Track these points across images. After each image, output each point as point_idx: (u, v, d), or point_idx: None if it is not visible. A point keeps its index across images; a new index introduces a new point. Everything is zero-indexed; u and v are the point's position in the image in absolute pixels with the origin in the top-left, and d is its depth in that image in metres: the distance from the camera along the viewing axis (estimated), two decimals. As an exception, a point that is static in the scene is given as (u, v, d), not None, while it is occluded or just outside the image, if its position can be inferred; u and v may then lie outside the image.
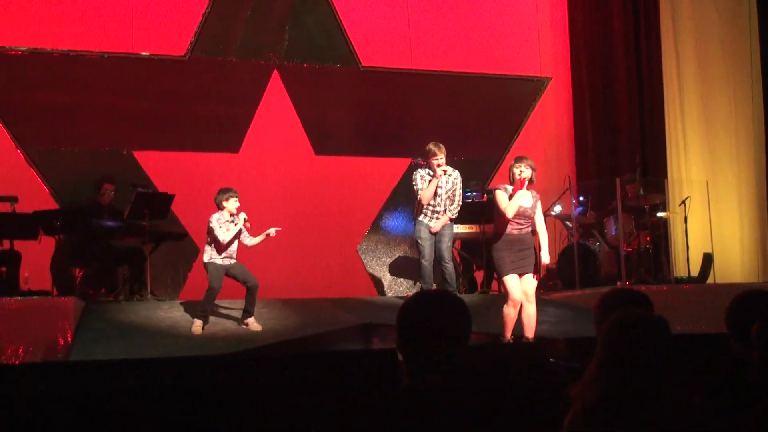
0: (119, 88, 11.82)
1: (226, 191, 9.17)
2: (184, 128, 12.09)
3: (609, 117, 13.92)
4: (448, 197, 9.66)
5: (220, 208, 9.13)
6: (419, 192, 9.59)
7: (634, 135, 13.75)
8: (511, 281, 8.05)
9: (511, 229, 8.12)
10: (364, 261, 12.82)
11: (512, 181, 8.18)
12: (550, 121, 14.00)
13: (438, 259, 9.68)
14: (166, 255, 11.23)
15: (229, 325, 9.21)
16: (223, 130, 12.30)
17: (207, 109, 12.23)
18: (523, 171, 8.10)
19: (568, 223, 12.23)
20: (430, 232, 9.61)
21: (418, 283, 12.44)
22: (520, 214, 8.11)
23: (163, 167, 11.87)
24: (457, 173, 9.72)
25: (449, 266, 9.66)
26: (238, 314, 9.30)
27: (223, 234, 8.98)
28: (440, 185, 9.60)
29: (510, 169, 8.22)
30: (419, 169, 9.75)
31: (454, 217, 9.73)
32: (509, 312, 8.06)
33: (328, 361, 6.66)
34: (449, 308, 2.88)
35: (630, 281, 11.05)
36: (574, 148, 14.00)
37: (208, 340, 8.66)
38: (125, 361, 6.93)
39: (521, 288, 8.10)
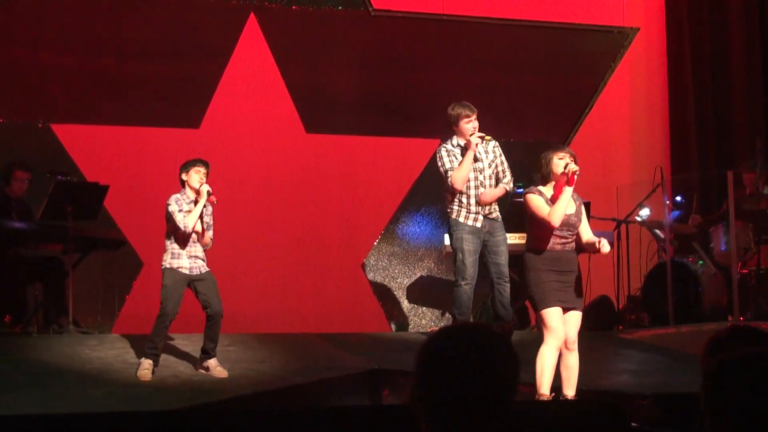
0: (34, 35, 11.84)
1: (189, 162, 9.22)
2: (124, 93, 12.10)
3: (718, 84, 13.87)
4: (493, 173, 9.64)
5: (183, 186, 9.18)
6: (449, 174, 9.52)
7: (754, 110, 13.69)
8: (554, 315, 8.07)
9: (554, 243, 8.16)
10: (372, 282, 12.82)
11: (546, 179, 8.20)
12: (637, 88, 13.97)
13: (493, 278, 9.65)
14: (95, 270, 11.24)
15: (183, 369, 9.22)
16: (179, 98, 12.30)
17: (156, 68, 12.23)
18: (570, 164, 8.14)
19: (658, 232, 12.20)
20: (477, 230, 9.53)
21: (446, 314, 12.45)
22: (564, 223, 8.14)
23: (92, 147, 11.88)
24: (495, 142, 9.71)
25: (508, 288, 9.66)
26: (195, 352, 9.30)
27: (184, 218, 9.01)
28: (479, 157, 9.56)
29: (547, 163, 8.22)
30: (444, 144, 9.72)
31: (510, 190, 9.70)
32: (548, 356, 8.06)
33: (321, 421, 6.65)
34: (491, 349, 2.87)
35: (745, 316, 11.01)
36: (669, 127, 13.95)
37: (154, 389, 8.66)
38: (37, 417, 6.92)
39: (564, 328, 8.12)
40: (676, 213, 12.30)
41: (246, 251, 12.19)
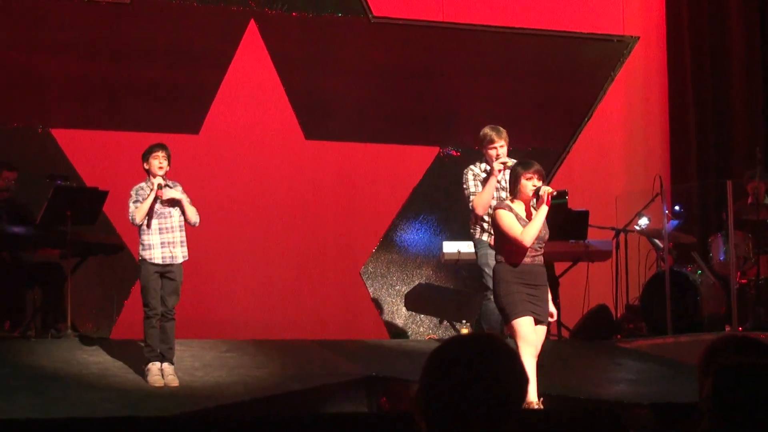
0: (34, 41, 11.86)
1: (147, 150, 9.16)
2: (124, 99, 12.12)
3: (719, 93, 13.89)
4: None
5: (148, 174, 9.16)
6: (471, 199, 9.48)
7: (755, 119, 13.71)
8: (527, 325, 8.12)
9: (523, 257, 8.19)
10: (371, 290, 12.83)
11: (514, 195, 8.23)
12: (636, 97, 13.98)
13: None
14: (94, 275, 11.26)
15: (181, 374, 9.19)
16: (178, 103, 12.32)
17: (155, 74, 12.25)
18: (537, 184, 8.19)
19: (657, 242, 12.21)
20: None
21: (444, 322, 12.44)
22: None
23: (92, 152, 11.90)
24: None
25: None
26: (191, 358, 9.32)
27: (135, 210, 8.97)
28: (503, 186, 9.55)
29: (515, 180, 8.25)
30: (471, 167, 9.61)
31: None
32: (527, 366, 8.07)
33: (318, 428, 6.67)
34: (499, 360, 2.89)
35: (744, 326, 11.02)
36: (669, 136, 13.97)
37: (152, 394, 8.66)
38: (35, 422, 6.94)
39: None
40: (675, 222, 12.30)
41: (244, 257, 12.20)
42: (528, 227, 8.10)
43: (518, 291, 8.12)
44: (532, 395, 8.07)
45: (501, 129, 9.47)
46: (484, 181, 9.44)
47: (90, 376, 9.02)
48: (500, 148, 9.36)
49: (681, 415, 7.76)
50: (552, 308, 8.38)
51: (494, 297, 8.40)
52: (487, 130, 9.49)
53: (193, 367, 9.31)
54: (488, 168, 9.48)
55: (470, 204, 9.47)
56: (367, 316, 12.72)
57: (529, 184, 8.17)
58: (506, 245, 8.24)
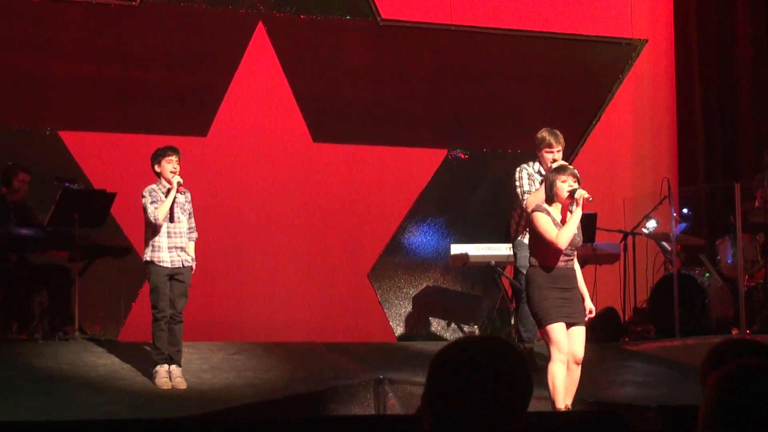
0: (42, 43, 11.87)
1: (159, 152, 9.21)
2: (131, 101, 12.13)
3: (726, 96, 13.88)
4: None
5: (159, 177, 9.20)
6: (524, 197, 9.45)
7: (762, 122, 13.71)
8: (559, 331, 8.19)
9: (558, 260, 8.23)
10: (378, 292, 12.82)
11: (551, 199, 8.26)
12: (644, 100, 13.97)
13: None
14: (101, 277, 11.26)
15: (188, 377, 9.22)
16: (186, 106, 12.32)
17: (163, 76, 12.26)
18: (572, 185, 8.20)
19: (665, 244, 12.20)
20: None
21: (452, 325, 12.42)
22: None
23: (100, 155, 11.90)
24: (576, 172, 9.62)
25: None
26: (200, 360, 9.32)
27: (155, 211, 9.02)
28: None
29: (551, 185, 8.29)
30: (525, 166, 9.60)
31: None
32: (557, 371, 8.15)
33: (325, 430, 6.67)
34: (504, 362, 2.88)
35: (752, 329, 11.01)
36: (676, 139, 13.97)
37: (159, 397, 8.68)
38: (41, 425, 6.94)
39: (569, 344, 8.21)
40: (683, 225, 12.30)
41: (252, 260, 12.20)
42: (563, 230, 8.16)
43: (551, 297, 8.19)
44: (560, 401, 8.10)
45: (558, 133, 9.45)
46: (540, 184, 9.15)
47: (97, 378, 9.04)
48: (557, 152, 9.34)
49: (688, 418, 7.75)
50: (589, 304, 8.40)
51: (527, 301, 8.46)
52: (545, 133, 9.46)
53: (201, 370, 9.32)
54: (541, 169, 9.44)
55: (523, 202, 9.42)
56: (375, 318, 12.72)
57: (565, 186, 8.21)
58: (541, 248, 8.30)
